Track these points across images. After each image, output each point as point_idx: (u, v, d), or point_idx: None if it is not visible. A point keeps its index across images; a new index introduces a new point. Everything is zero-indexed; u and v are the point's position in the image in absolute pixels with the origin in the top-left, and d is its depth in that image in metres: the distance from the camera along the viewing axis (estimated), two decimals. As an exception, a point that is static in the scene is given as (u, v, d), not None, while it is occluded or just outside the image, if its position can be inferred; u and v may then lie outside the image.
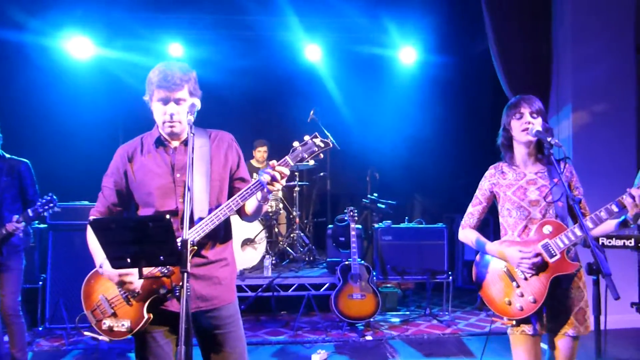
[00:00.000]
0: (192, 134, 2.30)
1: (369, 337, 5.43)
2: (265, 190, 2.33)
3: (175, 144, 2.52)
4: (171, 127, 2.44)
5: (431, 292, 6.44)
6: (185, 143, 2.51)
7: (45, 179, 4.85)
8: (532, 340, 2.70)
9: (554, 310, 2.67)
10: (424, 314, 6.26)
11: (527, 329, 2.69)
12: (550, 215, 2.69)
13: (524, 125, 2.68)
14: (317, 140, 2.40)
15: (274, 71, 8.22)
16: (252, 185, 2.36)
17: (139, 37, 7.48)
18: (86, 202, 5.69)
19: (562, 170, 2.43)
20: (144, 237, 1.95)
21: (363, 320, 5.61)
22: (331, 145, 2.43)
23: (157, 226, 1.93)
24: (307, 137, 2.40)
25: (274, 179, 2.27)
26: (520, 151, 2.79)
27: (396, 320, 6.11)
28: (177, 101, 2.44)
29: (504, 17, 5.91)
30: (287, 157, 2.36)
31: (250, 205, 2.50)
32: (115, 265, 2.08)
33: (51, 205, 4.16)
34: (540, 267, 2.59)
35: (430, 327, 5.85)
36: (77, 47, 7.40)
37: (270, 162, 2.29)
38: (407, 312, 6.46)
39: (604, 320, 2.27)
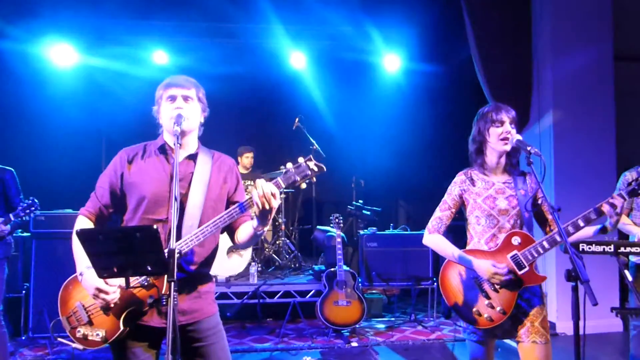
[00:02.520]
0: (178, 145, 2.32)
1: (354, 344, 5.46)
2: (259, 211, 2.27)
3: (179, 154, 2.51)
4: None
5: (416, 298, 6.50)
6: (190, 157, 2.53)
7: (29, 188, 4.82)
8: (488, 346, 2.76)
9: (516, 318, 2.71)
10: (409, 320, 6.30)
11: (486, 336, 2.74)
12: (518, 225, 2.75)
13: (505, 134, 2.71)
14: (311, 164, 2.34)
15: (259, 78, 8.25)
16: (238, 205, 2.35)
17: (124, 44, 7.47)
18: (70, 210, 5.65)
19: (542, 179, 2.47)
20: (131, 247, 1.97)
21: (349, 326, 5.63)
22: (325, 169, 2.35)
23: (144, 236, 1.95)
24: (301, 159, 2.35)
25: (264, 196, 2.20)
26: (492, 159, 2.81)
27: (381, 326, 6.14)
28: (185, 98, 2.49)
29: (485, 26, 6.01)
30: (279, 178, 2.31)
31: (244, 232, 2.48)
32: (101, 275, 2.09)
33: (32, 209, 4.15)
34: (510, 281, 2.64)
35: (415, 333, 5.89)
36: (60, 55, 7.36)
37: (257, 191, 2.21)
38: (392, 318, 6.49)
39: (583, 326, 2.31)
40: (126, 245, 1.96)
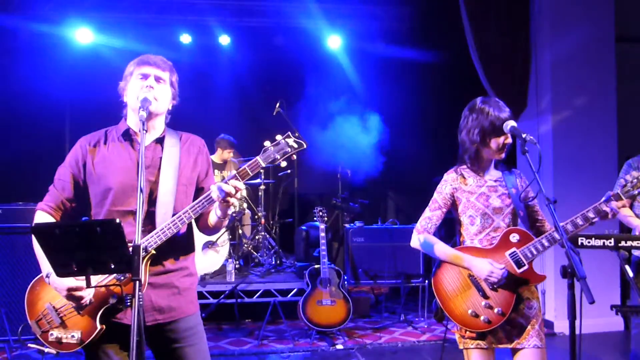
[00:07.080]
0: (144, 131, 2.29)
1: (339, 346, 5.47)
2: (222, 205, 2.33)
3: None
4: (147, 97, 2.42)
5: (406, 297, 6.52)
6: (157, 141, 2.52)
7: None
8: (487, 354, 2.75)
9: (515, 322, 2.72)
10: (399, 321, 6.33)
11: (483, 343, 2.73)
12: (513, 225, 2.78)
13: (503, 142, 2.74)
14: (291, 141, 2.40)
15: (238, 59, 8.17)
16: (203, 198, 2.37)
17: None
18: (30, 203, 5.57)
19: (537, 168, 2.47)
20: (91, 242, 1.93)
21: (333, 327, 5.63)
22: (305, 146, 2.43)
23: (105, 231, 1.92)
24: (279, 137, 2.40)
25: (229, 194, 2.26)
26: (485, 161, 2.86)
27: (368, 327, 6.17)
28: (158, 79, 2.47)
29: (480, 7, 6.02)
30: (257, 157, 2.36)
31: (210, 219, 2.51)
32: (60, 274, 2.06)
33: None
34: (508, 279, 2.65)
35: (405, 334, 5.92)
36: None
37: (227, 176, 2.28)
38: (380, 319, 6.52)
39: (580, 325, 2.33)
40: (86, 241, 1.93)
